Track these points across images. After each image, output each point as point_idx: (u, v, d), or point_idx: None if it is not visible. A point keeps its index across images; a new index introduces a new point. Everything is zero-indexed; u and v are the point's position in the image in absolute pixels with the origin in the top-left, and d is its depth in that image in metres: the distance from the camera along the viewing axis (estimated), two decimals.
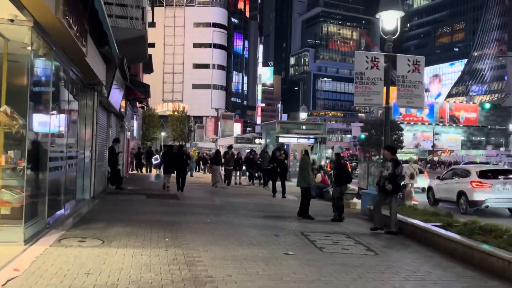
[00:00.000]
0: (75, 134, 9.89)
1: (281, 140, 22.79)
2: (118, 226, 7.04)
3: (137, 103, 19.31)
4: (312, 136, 22.73)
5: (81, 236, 6.08)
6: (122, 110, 16.45)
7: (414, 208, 9.45)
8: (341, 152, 9.77)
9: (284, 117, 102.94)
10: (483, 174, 12.23)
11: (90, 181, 10.51)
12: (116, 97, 12.38)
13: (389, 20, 10.15)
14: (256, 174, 19.79)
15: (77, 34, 6.20)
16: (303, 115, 29.38)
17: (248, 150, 27.31)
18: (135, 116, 23.67)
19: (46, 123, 6.49)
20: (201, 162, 30.17)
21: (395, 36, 10.23)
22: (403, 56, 10.85)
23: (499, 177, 12.21)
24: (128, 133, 21.55)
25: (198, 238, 6.43)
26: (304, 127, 23.49)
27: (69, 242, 5.72)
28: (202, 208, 10.35)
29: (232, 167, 18.79)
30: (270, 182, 15.86)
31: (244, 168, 21.01)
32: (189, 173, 24.25)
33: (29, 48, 5.54)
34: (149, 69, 23.31)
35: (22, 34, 5.41)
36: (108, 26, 7.53)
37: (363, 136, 74.68)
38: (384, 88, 10.28)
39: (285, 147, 19.03)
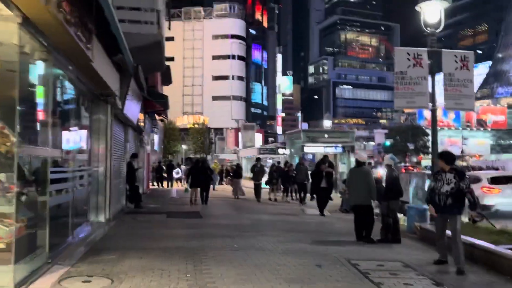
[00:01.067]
0: (87, 150, 9.01)
1: (306, 149, 21.64)
2: (133, 257, 6.02)
3: (156, 115, 18.48)
4: (339, 145, 21.47)
5: (87, 274, 5.08)
6: (141, 124, 15.63)
7: (473, 225, 8.15)
8: (393, 164, 8.34)
9: (304, 126, 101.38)
10: (494, 180, 12.88)
11: (105, 201, 9.59)
12: (133, 110, 11.52)
13: (432, 11, 9.00)
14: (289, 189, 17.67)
15: (79, 33, 5.27)
16: (327, 123, 28.14)
17: (271, 161, 26.22)
18: (154, 129, 22.90)
19: (46, 140, 5.56)
20: (223, 175, 29.19)
21: (439, 30, 9.06)
22: (450, 51, 9.62)
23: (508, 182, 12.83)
24: (148, 147, 20.75)
25: (226, 272, 5.34)
26: (330, 135, 22.25)
27: (72, 283, 4.72)
28: (227, 228, 9.28)
29: (260, 182, 17.06)
30: (307, 195, 15.78)
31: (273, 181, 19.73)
32: (211, 186, 23.34)
33: (24, 50, 4.65)
34: (167, 80, 22.59)
35: (11, 34, 4.51)
36: (117, 26, 6.62)
37: (388, 143, 72.53)
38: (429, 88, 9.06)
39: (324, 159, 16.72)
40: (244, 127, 49.32)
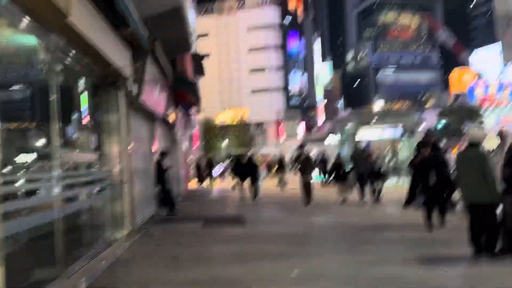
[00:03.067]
0: (95, 151, 7.12)
1: (359, 135, 19.06)
2: None
3: (190, 108, 16.59)
4: (400, 129, 18.73)
5: None
6: (171, 117, 13.75)
7: None
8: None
9: (345, 113, 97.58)
10: None
11: (124, 211, 7.66)
12: (155, 98, 9.58)
13: None
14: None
15: None
16: (378, 106, 25.19)
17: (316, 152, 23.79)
18: (190, 124, 21.09)
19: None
20: (269, 169, 27.07)
21: None
22: None
23: None
24: (185, 144, 18.94)
25: None
26: (387, 117, 19.53)
27: None
28: (279, 241, 7.11)
29: (310, 176, 12.78)
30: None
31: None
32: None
33: None
34: (200, 71, 20.68)
35: None
36: None
37: (440, 124, 67.75)
38: None
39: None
40: (286, 116, 46.86)
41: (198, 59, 18.36)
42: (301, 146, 13.66)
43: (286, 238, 7.33)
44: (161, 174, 11.23)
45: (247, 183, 15.06)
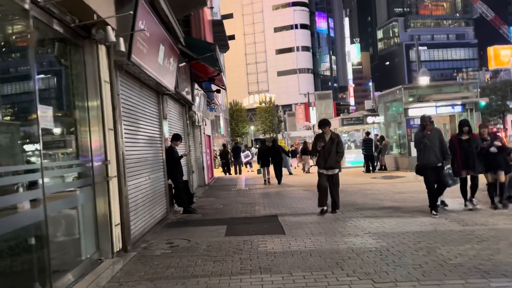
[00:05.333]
0: (65, 135, 4.81)
1: (412, 112, 16.15)
2: None
3: (211, 82, 14.08)
4: (458, 102, 15.74)
5: None
6: (186, 94, 11.34)
7: None
8: None
9: (377, 95, 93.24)
10: None
11: (111, 218, 5.32)
12: (158, 64, 7.14)
13: None
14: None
15: None
16: (424, 81, 22.11)
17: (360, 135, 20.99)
18: (212, 105, 18.68)
19: None
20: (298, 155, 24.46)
21: None
22: None
23: None
24: (206, 128, 16.57)
25: None
26: (443, 90, 16.51)
27: None
28: (339, 266, 4.61)
29: (333, 168, 8.24)
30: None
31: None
32: (285, 169, 18.98)
33: None
34: (224, 45, 18.09)
35: None
36: None
37: (483, 103, 62.93)
38: None
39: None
40: (319, 96, 43.89)
41: (220, 28, 15.77)
42: (323, 124, 8.23)
43: (348, 262, 4.82)
44: (173, 164, 8.89)
45: (271, 167, 15.51)
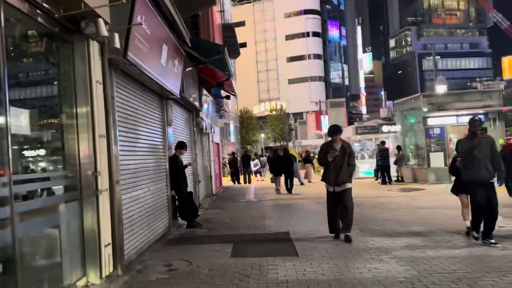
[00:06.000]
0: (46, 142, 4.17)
1: (431, 121, 15.34)
2: None
3: (220, 88, 13.46)
4: (481, 111, 14.89)
5: None
6: (194, 100, 10.72)
7: None
8: None
9: (389, 104, 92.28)
10: None
11: (101, 237, 4.65)
12: (161, 66, 6.52)
13: None
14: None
15: None
16: (441, 89, 21.25)
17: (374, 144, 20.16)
18: (222, 111, 18.06)
19: None
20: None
21: None
22: None
23: None
24: (213, 135, 15.93)
25: None
26: (464, 98, 15.67)
27: None
28: None
29: (344, 183, 6.81)
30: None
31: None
32: (296, 179, 18.32)
33: None
34: (234, 50, 17.53)
35: None
36: None
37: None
38: None
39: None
40: (331, 104, 43.14)
41: (230, 33, 15.19)
42: (334, 131, 6.86)
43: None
44: (177, 173, 8.23)
45: (283, 176, 15.30)
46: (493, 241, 5.90)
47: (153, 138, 7.41)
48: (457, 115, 15.24)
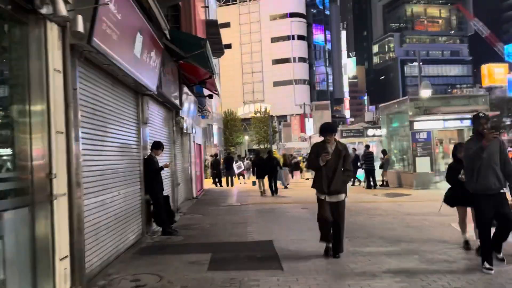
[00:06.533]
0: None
1: (417, 125, 15.02)
2: None
3: (202, 85, 12.83)
4: (468, 115, 14.64)
5: None
6: (173, 98, 10.09)
7: None
8: None
9: (372, 108, 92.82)
10: None
11: (56, 249, 4.01)
12: (130, 54, 5.88)
13: None
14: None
15: None
16: (425, 93, 21.00)
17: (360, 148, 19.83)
18: (205, 111, 17.43)
19: None
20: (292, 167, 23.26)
21: None
22: None
23: None
24: (195, 136, 15.30)
25: None
26: (451, 102, 15.41)
27: None
28: None
29: (339, 193, 5.88)
30: None
31: None
32: (279, 182, 17.93)
33: None
34: (218, 49, 16.93)
35: None
36: None
37: None
38: None
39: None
40: (316, 107, 42.89)
41: (214, 30, 14.60)
42: (326, 130, 5.85)
43: None
44: (152, 176, 7.60)
45: (265, 177, 15.20)
46: (501, 256, 5.18)
47: (126, 137, 6.78)
48: (444, 119, 14.96)
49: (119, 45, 5.25)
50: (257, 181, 15.86)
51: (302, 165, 23.48)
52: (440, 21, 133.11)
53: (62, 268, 4.13)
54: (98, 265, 5.18)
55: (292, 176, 22.31)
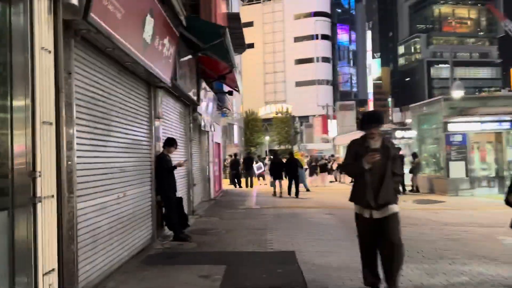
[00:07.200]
0: None
1: (452, 127, 13.99)
2: None
3: (223, 85, 12.16)
4: (508, 117, 13.53)
5: None
6: (192, 93, 9.44)
7: None
8: None
9: (396, 111, 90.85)
10: None
11: (38, 261, 3.37)
12: (138, 37, 5.22)
13: None
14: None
15: None
16: (458, 94, 19.82)
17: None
18: (225, 109, 16.79)
19: None
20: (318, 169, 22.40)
21: None
22: None
23: None
24: (214, 134, 14.66)
25: None
26: (490, 103, 14.31)
27: None
28: None
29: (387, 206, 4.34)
30: None
31: None
32: (302, 185, 17.26)
33: None
34: (240, 44, 16.21)
35: None
36: None
37: None
38: None
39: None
40: (341, 107, 41.79)
41: (236, 24, 13.91)
42: (370, 121, 4.31)
43: None
44: (164, 175, 6.95)
45: (284, 180, 15.06)
46: None
47: (135, 132, 6.13)
48: (481, 121, 13.87)
49: (125, 26, 4.59)
50: (273, 182, 15.62)
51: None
52: (468, 22, 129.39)
53: (47, 283, 3.47)
54: (96, 277, 4.52)
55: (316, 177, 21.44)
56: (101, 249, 4.73)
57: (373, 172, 4.18)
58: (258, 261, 5.69)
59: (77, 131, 4.07)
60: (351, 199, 4.42)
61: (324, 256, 5.87)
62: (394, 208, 4.18)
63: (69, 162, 3.86)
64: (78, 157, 4.09)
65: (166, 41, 6.29)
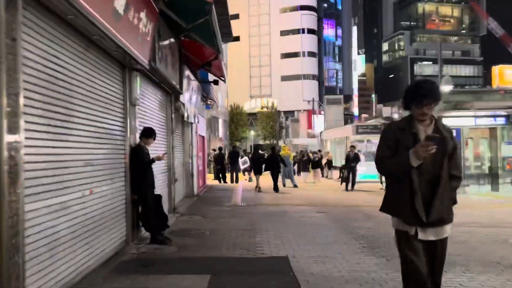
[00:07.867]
0: None
1: (448, 121, 13.43)
2: None
3: (207, 69, 11.32)
4: (503, 113, 13.08)
5: None
6: (172, 79, 8.61)
7: None
8: None
9: (379, 107, 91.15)
10: None
11: None
12: (108, 7, 4.40)
13: None
14: None
15: None
16: (447, 89, 19.39)
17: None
18: (210, 101, 15.95)
19: None
20: (305, 164, 21.78)
21: None
22: None
23: None
24: (198, 126, 13.83)
25: None
26: (485, 97, 13.85)
27: None
28: None
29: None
30: None
31: None
32: (288, 181, 17.01)
33: None
34: (227, 33, 15.37)
35: None
36: None
37: None
38: None
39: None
40: (328, 101, 41.23)
41: (222, 10, 13.05)
42: (423, 95, 2.86)
43: None
44: (140, 170, 6.14)
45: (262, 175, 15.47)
46: None
47: (105, 120, 5.30)
48: (476, 116, 13.40)
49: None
50: (253, 176, 15.91)
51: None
52: (452, 20, 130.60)
53: None
54: None
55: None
56: (60, 258, 3.92)
57: (422, 171, 2.85)
58: (248, 270, 4.96)
59: (25, 113, 3.24)
60: (384, 209, 3.10)
61: (321, 263, 5.17)
62: (448, 229, 2.94)
63: (12, 153, 3.04)
64: (27, 146, 3.27)
65: (142, 15, 5.46)
